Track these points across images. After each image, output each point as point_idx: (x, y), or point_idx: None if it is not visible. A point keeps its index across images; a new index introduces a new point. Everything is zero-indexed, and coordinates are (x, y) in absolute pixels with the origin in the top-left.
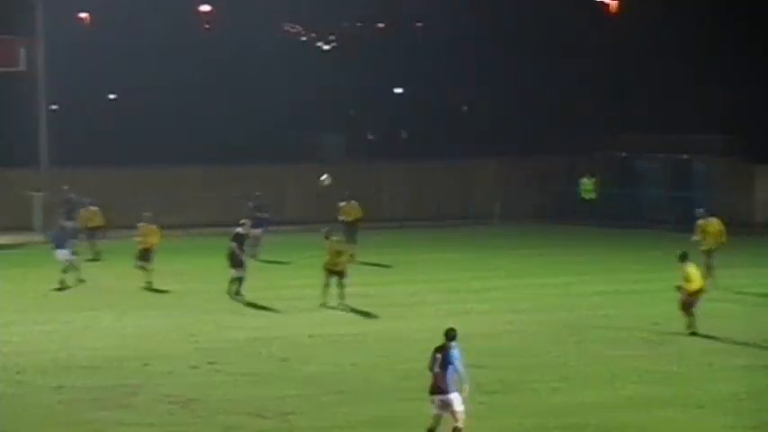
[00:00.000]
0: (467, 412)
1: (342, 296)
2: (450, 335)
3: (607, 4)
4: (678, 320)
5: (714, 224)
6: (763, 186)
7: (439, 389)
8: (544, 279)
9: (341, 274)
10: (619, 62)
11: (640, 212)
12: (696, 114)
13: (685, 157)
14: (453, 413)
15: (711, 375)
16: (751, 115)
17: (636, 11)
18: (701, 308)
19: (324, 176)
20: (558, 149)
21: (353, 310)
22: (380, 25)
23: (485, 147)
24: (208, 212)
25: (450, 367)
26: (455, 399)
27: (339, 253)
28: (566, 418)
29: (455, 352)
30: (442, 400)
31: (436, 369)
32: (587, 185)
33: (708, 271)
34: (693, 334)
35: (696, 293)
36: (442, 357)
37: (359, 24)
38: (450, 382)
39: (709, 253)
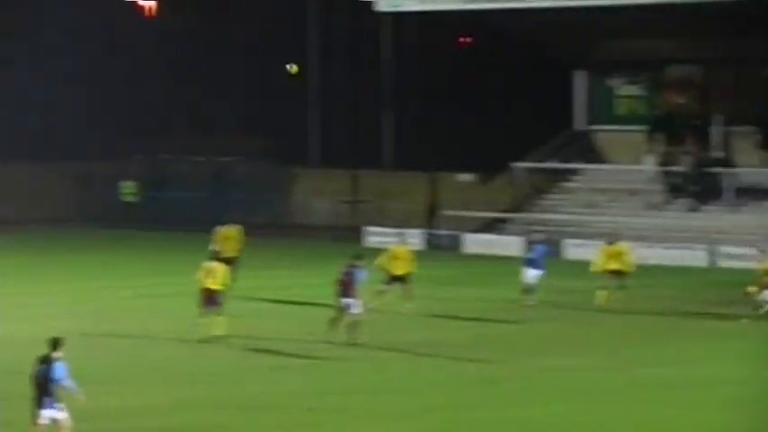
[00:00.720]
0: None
1: None
2: (55, 345)
3: (143, 7)
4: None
5: (233, 232)
6: (300, 189)
7: (47, 401)
8: (83, 283)
9: None
10: (161, 64)
11: (181, 215)
12: (235, 118)
13: (226, 159)
14: (57, 421)
15: (247, 375)
16: (288, 120)
17: (174, 13)
18: (239, 308)
19: (291, 65)
20: (100, 152)
21: None
22: None
23: (27, 148)
24: None
25: (57, 380)
26: (58, 410)
27: None
28: (122, 422)
29: (60, 365)
30: (47, 415)
31: (40, 380)
32: (129, 188)
33: (232, 275)
34: (221, 338)
35: (212, 293)
36: (45, 369)
37: None
38: (56, 392)
39: (230, 260)
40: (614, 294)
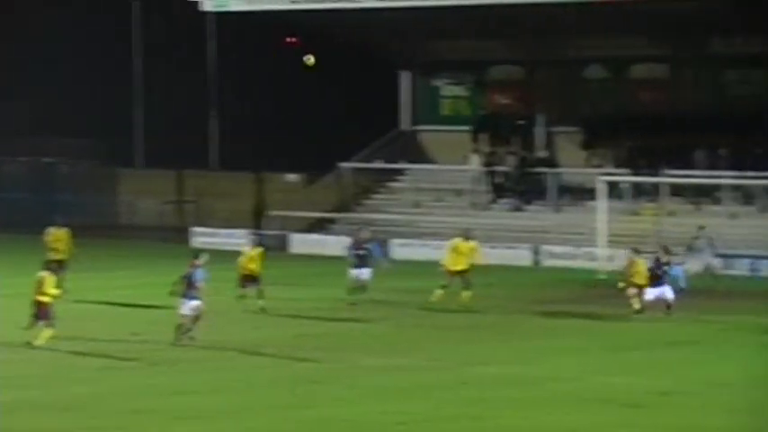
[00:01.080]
0: None
1: None
2: None
3: None
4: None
5: (61, 234)
6: (126, 189)
7: None
8: None
9: None
10: None
11: (4, 216)
12: (60, 118)
13: (49, 160)
14: None
15: (74, 376)
16: (113, 120)
17: None
18: (68, 311)
19: (308, 57)
20: None
21: None
22: None
23: None
24: None
25: None
26: None
27: None
28: None
29: None
30: None
31: None
32: None
33: (62, 277)
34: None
35: (42, 306)
36: None
37: None
38: None
39: (59, 263)
40: (462, 293)
